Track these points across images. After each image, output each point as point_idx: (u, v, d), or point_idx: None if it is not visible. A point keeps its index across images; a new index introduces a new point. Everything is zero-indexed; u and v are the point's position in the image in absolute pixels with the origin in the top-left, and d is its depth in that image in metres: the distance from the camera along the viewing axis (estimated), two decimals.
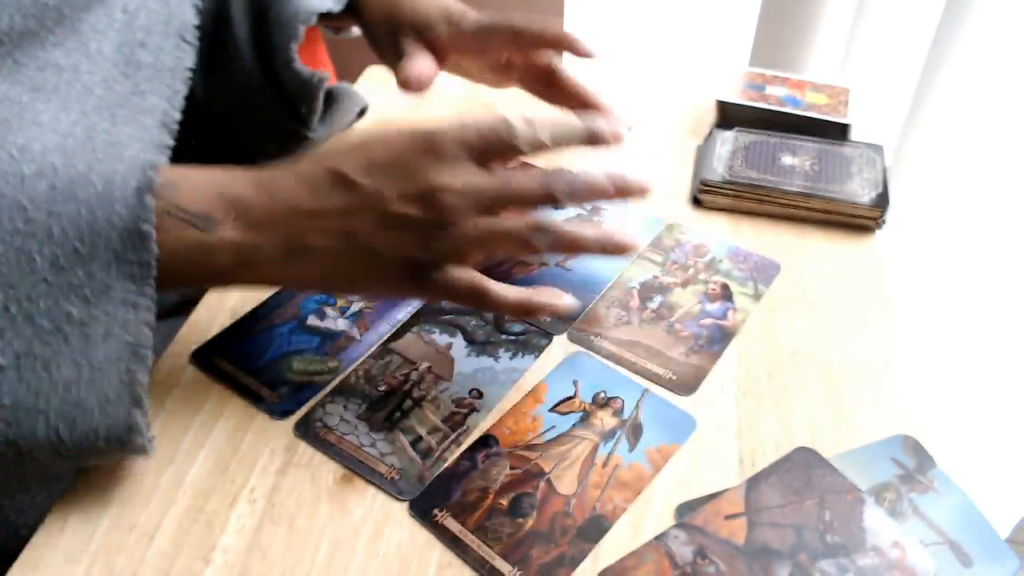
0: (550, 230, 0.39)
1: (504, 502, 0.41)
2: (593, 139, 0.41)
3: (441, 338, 0.50)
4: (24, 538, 0.39)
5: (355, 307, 0.52)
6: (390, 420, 0.45)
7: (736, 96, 0.66)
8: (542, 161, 0.44)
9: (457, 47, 0.53)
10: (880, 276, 0.54)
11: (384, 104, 0.72)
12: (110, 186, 0.36)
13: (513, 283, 0.53)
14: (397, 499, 0.41)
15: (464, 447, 0.44)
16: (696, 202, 0.60)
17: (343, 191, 0.38)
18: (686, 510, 0.40)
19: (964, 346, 1.02)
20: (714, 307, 0.52)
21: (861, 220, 0.57)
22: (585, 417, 0.45)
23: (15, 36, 0.40)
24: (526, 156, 0.40)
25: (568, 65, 0.56)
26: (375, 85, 0.75)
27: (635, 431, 0.44)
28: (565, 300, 0.43)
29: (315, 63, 0.88)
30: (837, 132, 0.64)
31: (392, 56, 0.54)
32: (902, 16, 0.90)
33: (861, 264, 0.55)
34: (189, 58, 0.49)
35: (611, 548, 0.39)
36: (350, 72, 0.75)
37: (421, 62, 0.52)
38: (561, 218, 0.41)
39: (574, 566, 0.38)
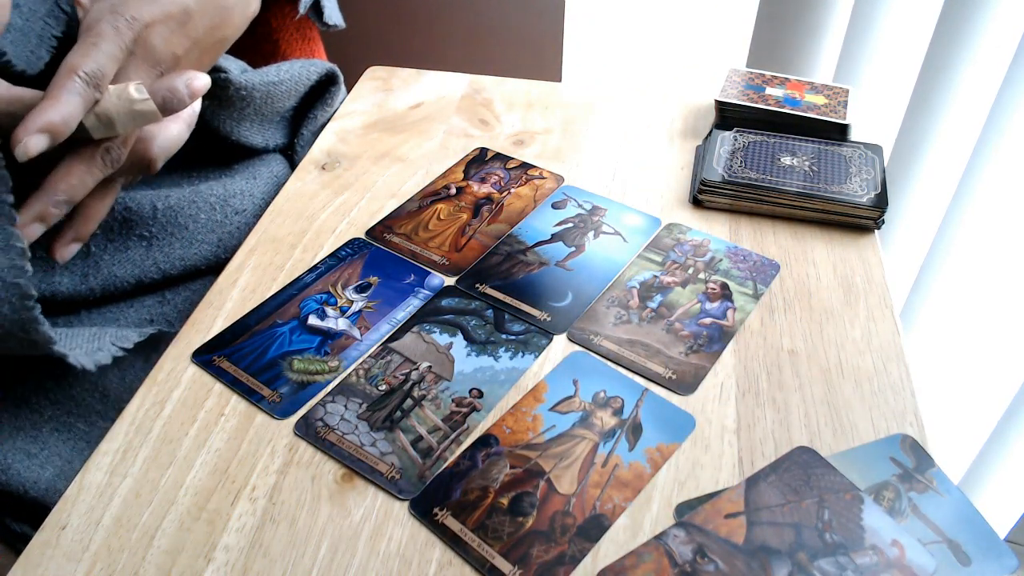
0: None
1: (504, 501, 0.41)
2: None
3: (441, 338, 0.50)
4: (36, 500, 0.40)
5: (356, 307, 0.52)
6: (390, 419, 0.45)
7: (735, 97, 0.67)
8: None
9: None
10: (879, 276, 0.54)
11: (384, 104, 0.72)
12: None
13: (514, 283, 0.54)
14: (397, 498, 0.41)
15: (464, 446, 0.44)
16: (696, 202, 0.60)
17: None
18: (685, 509, 0.41)
19: (963, 346, 1.03)
20: (714, 306, 0.52)
21: (860, 220, 0.58)
22: (585, 416, 0.45)
23: None
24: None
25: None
26: (375, 85, 0.75)
27: (635, 430, 0.44)
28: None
29: None
30: (836, 132, 0.64)
31: None
32: (900, 16, 0.90)
33: (860, 264, 0.55)
34: (59, 27, 0.48)
35: (611, 547, 0.39)
36: (350, 72, 0.75)
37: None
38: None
39: (574, 565, 0.38)
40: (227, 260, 0.56)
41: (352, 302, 0.52)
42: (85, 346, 0.47)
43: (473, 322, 0.51)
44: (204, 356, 0.49)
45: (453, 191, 0.62)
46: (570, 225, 0.58)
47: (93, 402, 0.52)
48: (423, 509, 0.41)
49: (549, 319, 0.51)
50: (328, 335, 0.50)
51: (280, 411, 0.45)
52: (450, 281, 0.54)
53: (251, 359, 0.48)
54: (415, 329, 0.50)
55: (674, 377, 0.47)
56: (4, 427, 0.50)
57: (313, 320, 0.51)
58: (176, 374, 0.48)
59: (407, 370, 0.48)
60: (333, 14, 0.69)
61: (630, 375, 0.48)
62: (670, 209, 0.60)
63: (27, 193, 0.43)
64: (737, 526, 0.39)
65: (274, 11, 0.67)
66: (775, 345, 0.49)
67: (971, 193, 0.92)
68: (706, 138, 0.66)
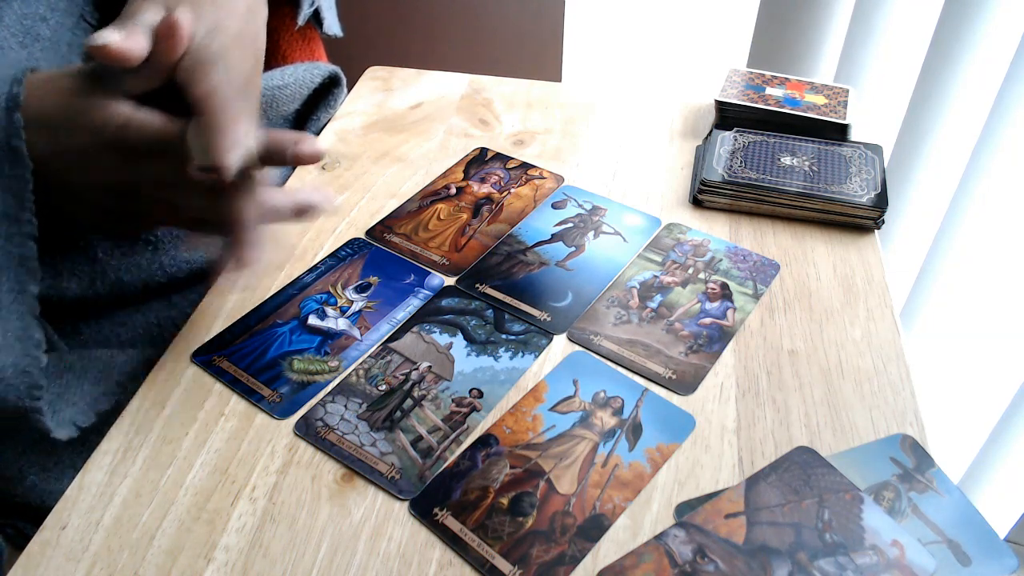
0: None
1: (504, 501, 0.41)
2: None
3: (441, 338, 0.50)
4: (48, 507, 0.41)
5: (356, 307, 0.52)
6: (391, 419, 0.45)
7: (735, 96, 0.67)
8: None
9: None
10: (879, 276, 0.54)
11: (384, 104, 0.72)
12: None
13: (513, 283, 0.54)
14: (398, 498, 0.41)
15: (464, 446, 0.44)
16: (696, 202, 0.60)
17: None
18: (685, 509, 0.41)
19: (963, 346, 1.03)
20: (714, 306, 0.52)
21: (860, 220, 0.58)
22: (585, 416, 0.45)
23: None
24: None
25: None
26: (375, 85, 0.75)
27: (635, 430, 0.44)
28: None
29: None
30: (836, 132, 0.64)
31: None
32: (901, 16, 0.90)
33: (860, 264, 0.55)
34: (86, 37, 0.49)
35: (611, 547, 0.39)
36: (350, 72, 0.75)
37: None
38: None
39: (574, 565, 0.38)
40: None
41: (352, 302, 0.52)
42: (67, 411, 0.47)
43: (473, 322, 0.51)
44: (204, 356, 0.49)
45: (453, 191, 0.62)
46: (570, 225, 0.58)
47: (107, 414, 0.52)
48: (423, 509, 0.41)
49: (549, 319, 0.51)
50: (328, 335, 0.50)
51: (280, 411, 0.45)
52: (450, 281, 0.54)
53: (251, 359, 0.48)
54: (415, 329, 0.50)
55: (674, 377, 0.47)
56: (20, 440, 0.50)
57: (313, 320, 0.51)
58: (176, 374, 0.48)
59: (407, 370, 0.48)
60: (333, 25, 0.69)
61: (630, 375, 0.48)
62: (670, 209, 0.60)
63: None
64: (737, 526, 0.39)
65: (274, 12, 0.67)
66: (775, 345, 0.49)
67: (971, 193, 0.92)
68: (706, 138, 0.66)
